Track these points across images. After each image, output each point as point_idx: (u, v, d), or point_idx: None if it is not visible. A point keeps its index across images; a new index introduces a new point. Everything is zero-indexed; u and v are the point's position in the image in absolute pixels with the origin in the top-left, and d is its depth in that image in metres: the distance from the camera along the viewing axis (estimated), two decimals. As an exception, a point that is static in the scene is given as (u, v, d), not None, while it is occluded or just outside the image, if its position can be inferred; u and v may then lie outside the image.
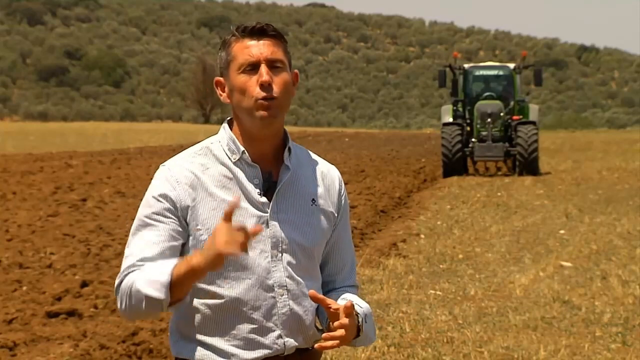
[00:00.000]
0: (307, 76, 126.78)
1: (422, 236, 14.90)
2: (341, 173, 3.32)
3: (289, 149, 3.13)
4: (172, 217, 3.04)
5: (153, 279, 2.92)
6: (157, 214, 3.04)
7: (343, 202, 3.26)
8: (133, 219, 3.14)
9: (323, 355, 3.26)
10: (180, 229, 3.05)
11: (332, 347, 2.97)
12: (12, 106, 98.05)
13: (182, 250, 3.07)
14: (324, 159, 3.32)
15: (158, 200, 3.05)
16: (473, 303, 9.77)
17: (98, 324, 8.68)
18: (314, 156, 3.26)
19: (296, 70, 3.15)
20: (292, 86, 3.10)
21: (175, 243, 3.05)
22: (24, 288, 10.29)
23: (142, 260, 3.01)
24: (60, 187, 22.07)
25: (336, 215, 3.22)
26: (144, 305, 2.95)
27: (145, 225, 3.06)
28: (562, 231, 15.25)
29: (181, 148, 3.11)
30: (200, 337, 3.08)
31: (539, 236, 14.72)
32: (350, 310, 2.96)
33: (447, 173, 27.29)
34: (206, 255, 2.84)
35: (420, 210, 18.79)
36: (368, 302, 10.27)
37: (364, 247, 13.81)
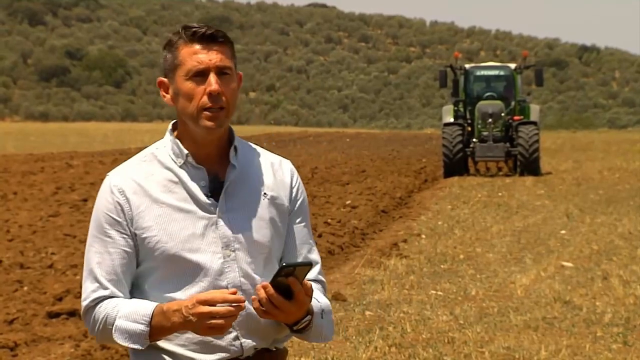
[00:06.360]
0: (308, 76, 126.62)
1: (423, 236, 14.90)
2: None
3: (235, 148, 3.10)
4: (121, 231, 3.03)
5: (131, 329, 2.97)
6: (107, 229, 3.04)
7: (297, 194, 3.18)
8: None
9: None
10: (131, 242, 3.03)
11: (263, 306, 2.91)
12: (13, 106, 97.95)
13: (137, 261, 3.05)
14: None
15: (106, 214, 3.04)
16: (474, 303, 9.77)
17: (99, 324, 8.68)
18: (265, 152, 3.22)
19: (240, 73, 3.12)
20: (237, 91, 3.08)
21: (127, 260, 3.03)
22: (25, 288, 10.29)
23: (104, 282, 3.03)
24: (61, 187, 22.09)
25: (288, 207, 3.15)
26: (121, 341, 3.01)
27: (98, 241, 3.05)
28: (563, 231, 15.25)
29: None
30: (158, 343, 3.03)
31: (540, 236, 14.71)
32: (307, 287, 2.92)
33: (448, 173, 27.30)
34: (187, 327, 2.91)
35: (421, 210, 18.79)
36: (369, 302, 10.22)
37: (364, 247, 13.83)
